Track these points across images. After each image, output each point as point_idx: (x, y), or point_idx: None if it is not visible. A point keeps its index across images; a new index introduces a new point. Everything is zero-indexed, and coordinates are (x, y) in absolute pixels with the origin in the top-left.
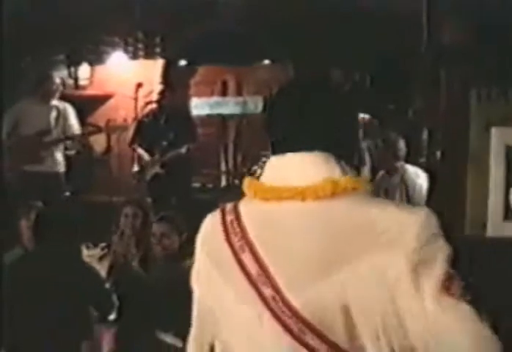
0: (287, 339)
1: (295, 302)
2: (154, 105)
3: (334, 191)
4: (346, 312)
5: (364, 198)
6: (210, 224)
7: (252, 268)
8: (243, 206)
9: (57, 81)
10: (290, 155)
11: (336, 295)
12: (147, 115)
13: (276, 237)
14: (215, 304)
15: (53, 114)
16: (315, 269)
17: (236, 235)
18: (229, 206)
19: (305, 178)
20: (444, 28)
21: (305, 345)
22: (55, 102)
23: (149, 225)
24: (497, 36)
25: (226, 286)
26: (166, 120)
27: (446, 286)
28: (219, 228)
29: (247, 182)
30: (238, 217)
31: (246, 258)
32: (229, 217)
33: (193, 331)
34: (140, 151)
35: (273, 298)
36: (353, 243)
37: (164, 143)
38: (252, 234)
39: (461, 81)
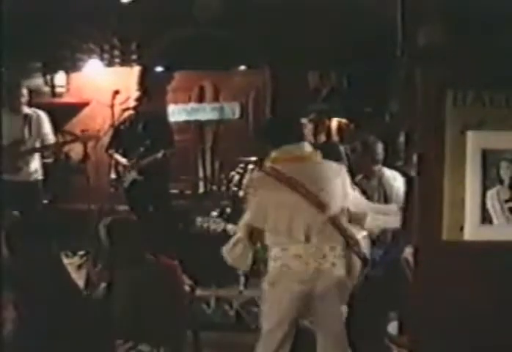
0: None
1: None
2: (131, 112)
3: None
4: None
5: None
6: (257, 179)
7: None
8: (276, 166)
9: (27, 90)
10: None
11: (328, 193)
12: (124, 122)
13: (299, 175)
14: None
15: (27, 122)
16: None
17: (284, 176)
18: (262, 170)
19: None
20: (420, 30)
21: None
22: (28, 110)
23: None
24: (473, 38)
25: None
26: (143, 127)
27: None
28: (268, 178)
29: (274, 153)
30: (278, 170)
31: (291, 184)
32: (273, 172)
33: (246, 220)
34: (117, 157)
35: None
36: (327, 176)
37: (141, 149)
38: (289, 175)
39: (436, 84)
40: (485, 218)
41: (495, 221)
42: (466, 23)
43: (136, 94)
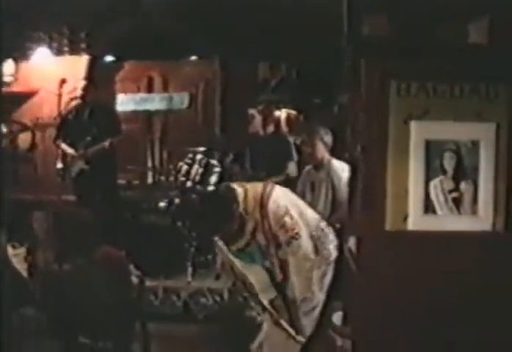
0: None
1: None
2: (78, 101)
3: None
4: None
5: None
6: None
7: None
8: None
9: None
10: None
11: None
12: (71, 111)
13: None
14: None
15: None
16: None
17: None
18: None
19: None
20: (364, 21)
21: None
22: None
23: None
24: (417, 29)
25: None
26: (90, 116)
27: None
28: None
29: None
30: None
31: None
32: None
33: None
34: (64, 146)
35: None
36: None
37: (88, 138)
38: None
39: (380, 74)
40: (429, 209)
41: (439, 211)
42: (409, 13)
43: (82, 83)
